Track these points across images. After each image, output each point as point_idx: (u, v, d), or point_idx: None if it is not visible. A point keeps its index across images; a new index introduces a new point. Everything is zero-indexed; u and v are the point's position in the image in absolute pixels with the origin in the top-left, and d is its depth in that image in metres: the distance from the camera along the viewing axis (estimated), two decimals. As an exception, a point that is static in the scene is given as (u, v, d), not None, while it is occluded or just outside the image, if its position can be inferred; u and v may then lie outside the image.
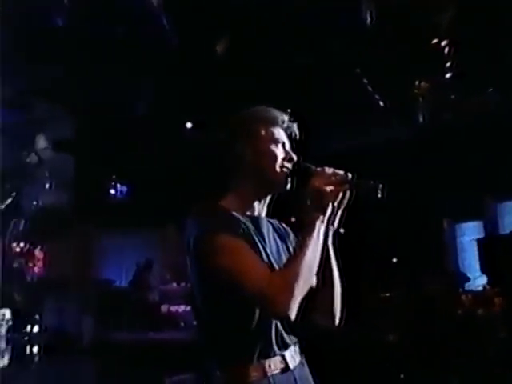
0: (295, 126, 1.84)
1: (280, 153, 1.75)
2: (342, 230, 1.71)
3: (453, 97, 9.97)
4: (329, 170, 1.64)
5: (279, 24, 7.64)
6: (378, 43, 7.97)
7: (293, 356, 1.65)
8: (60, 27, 6.99)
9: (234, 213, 1.66)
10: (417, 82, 9.55)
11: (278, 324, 1.61)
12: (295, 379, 1.63)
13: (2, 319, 12.25)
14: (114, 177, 11.65)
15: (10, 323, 12.24)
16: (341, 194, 1.61)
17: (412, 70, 9.05)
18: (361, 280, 10.62)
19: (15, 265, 12.71)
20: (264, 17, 7.51)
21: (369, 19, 6.46)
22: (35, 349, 10.03)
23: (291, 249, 1.79)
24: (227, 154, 1.77)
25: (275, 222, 1.84)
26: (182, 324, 9.34)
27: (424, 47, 8.35)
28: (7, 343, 11.41)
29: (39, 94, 9.04)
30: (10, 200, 11.70)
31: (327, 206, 1.59)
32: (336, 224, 1.68)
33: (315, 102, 9.93)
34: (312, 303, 1.69)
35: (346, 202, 1.64)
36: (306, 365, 1.74)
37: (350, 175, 1.64)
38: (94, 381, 7.47)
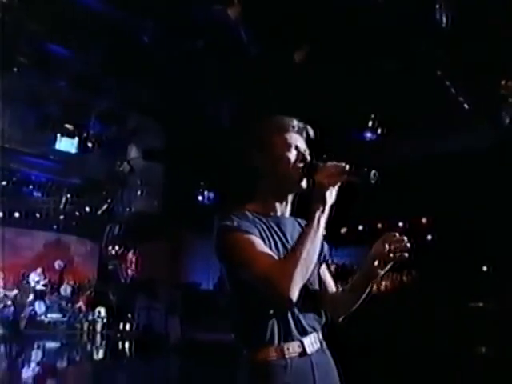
0: (308, 128, 1.94)
1: (293, 156, 1.85)
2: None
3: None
4: (331, 164, 1.74)
5: (358, 29, 7.69)
6: (459, 44, 7.77)
7: (312, 342, 1.77)
8: (147, 44, 7.39)
9: (254, 214, 1.79)
10: (503, 82, 9.16)
11: (296, 311, 1.73)
12: (312, 363, 1.75)
13: (98, 316, 13.18)
14: (202, 184, 12.09)
15: (105, 320, 13.19)
16: (338, 184, 1.71)
17: (497, 70, 8.68)
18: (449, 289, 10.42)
19: (110, 266, 13.61)
20: (342, 24, 7.60)
21: (445, 20, 6.32)
22: (127, 345, 10.76)
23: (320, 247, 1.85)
24: (247, 162, 1.91)
25: (302, 220, 1.93)
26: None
27: (508, 45, 8.02)
28: (102, 339, 12.31)
29: (131, 107, 9.61)
30: (105, 206, 12.60)
31: (325, 196, 1.70)
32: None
33: (400, 107, 9.86)
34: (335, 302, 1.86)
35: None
36: (327, 352, 1.84)
37: (347, 165, 1.71)
38: (179, 376, 7.84)
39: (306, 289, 1.72)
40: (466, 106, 9.89)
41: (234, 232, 1.70)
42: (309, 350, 1.75)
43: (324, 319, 1.85)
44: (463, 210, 11.12)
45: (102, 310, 12.32)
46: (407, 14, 7.03)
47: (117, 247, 12.75)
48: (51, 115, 9.16)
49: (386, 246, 1.73)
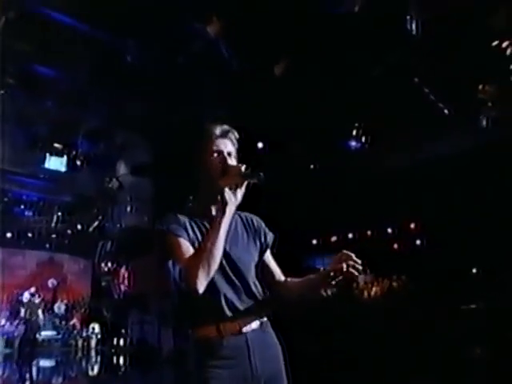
0: (232, 131, 2.17)
1: (215, 161, 2.10)
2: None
3: (525, 99, 9.70)
4: (232, 167, 2.04)
5: (336, 40, 7.93)
6: (433, 51, 8.01)
7: (248, 322, 2.01)
8: (130, 62, 7.59)
9: (190, 217, 2.08)
10: (480, 86, 9.38)
11: (228, 294, 2.01)
12: (247, 341, 2.00)
13: (92, 332, 13.27)
14: (191, 198, 12.24)
15: (99, 336, 13.27)
16: (235, 185, 1.98)
17: (474, 75, 8.89)
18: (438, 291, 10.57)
19: (103, 283, 13.71)
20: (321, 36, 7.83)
21: (414, 28, 6.56)
22: (121, 360, 10.86)
23: (259, 237, 2.21)
24: (187, 169, 2.21)
25: (246, 215, 2.22)
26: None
27: (484, 50, 8.24)
28: (97, 355, 12.38)
29: (118, 124, 9.77)
30: (96, 223, 12.74)
31: (223, 197, 1.97)
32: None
33: (382, 115, 10.10)
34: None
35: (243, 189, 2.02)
36: (268, 332, 2.10)
37: (243, 168, 1.98)
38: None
39: (242, 276, 2.06)
40: (446, 111, 10.14)
41: (164, 234, 2.00)
42: (244, 329, 2.01)
43: (264, 302, 2.10)
44: (450, 213, 11.31)
45: (96, 327, 12.41)
46: (381, 24, 7.28)
47: (109, 263, 12.87)
48: (40, 135, 9.36)
49: (344, 264, 1.95)
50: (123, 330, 11.43)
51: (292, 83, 8.66)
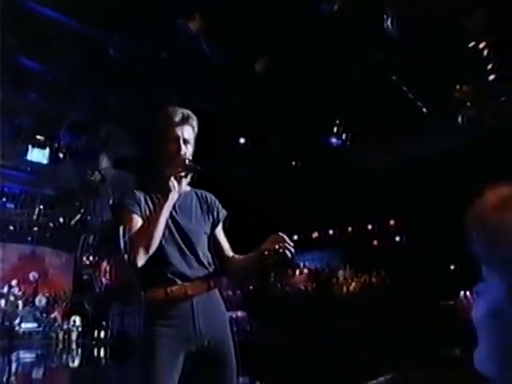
0: (192, 117, 2.33)
1: (173, 146, 2.27)
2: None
3: (503, 99, 9.92)
4: (179, 158, 2.23)
5: (317, 38, 8.06)
6: (412, 50, 8.17)
7: (194, 287, 2.23)
8: (113, 56, 7.66)
9: (149, 193, 2.29)
10: (458, 86, 9.59)
11: (177, 261, 2.23)
12: (192, 303, 2.21)
13: (73, 325, 13.29)
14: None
15: (80, 329, 13.29)
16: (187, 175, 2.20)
17: (451, 74, 9.08)
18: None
19: (85, 276, 13.74)
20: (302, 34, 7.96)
21: (393, 27, 6.72)
22: (102, 352, 10.91)
23: (212, 213, 2.42)
24: (149, 150, 2.37)
25: (202, 192, 2.44)
26: (235, 328, 9.75)
27: (462, 51, 8.41)
28: (77, 347, 12.41)
29: (101, 118, 9.83)
30: (79, 216, 12.76)
31: (168, 185, 2.19)
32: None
33: (359, 112, 10.27)
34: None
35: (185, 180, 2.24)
36: (214, 297, 2.29)
37: (186, 161, 2.22)
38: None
39: (193, 246, 2.27)
40: (424, 110, 10.35)
41: (118, 209, 2.26)
42: (190, 293, 2.22)
43: (212, 271, 2.30)
44: (430, 211, 11.53)
45: (77, 319, 12.44)
46: (360, 23, 7.43)
47: (91, 257, 12.90)
48: (23, 127, 9.39)
49: (277, 245, 2.17)
50: (104, 323, 11.49)
51: (273, 80, 8.80)
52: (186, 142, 2.32)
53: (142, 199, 2.30)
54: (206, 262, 2.33)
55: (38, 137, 9.72)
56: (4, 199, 12.44)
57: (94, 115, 9.99)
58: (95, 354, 10.75)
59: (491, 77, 9.06)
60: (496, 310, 0.66)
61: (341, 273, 13.21)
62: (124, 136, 10.62)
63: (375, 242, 14.43)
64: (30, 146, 9.86)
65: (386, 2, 7.04)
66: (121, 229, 2.21)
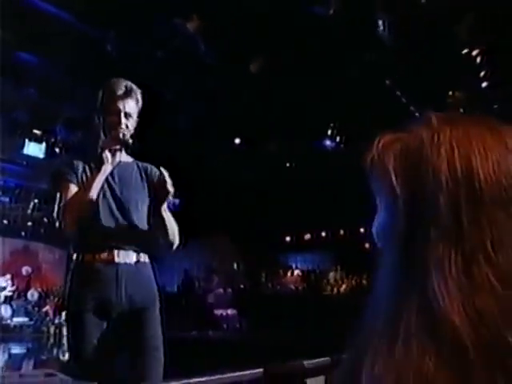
0: (135, 91, 2.41)
1: (115, 119, 2.35)
2: None
3: (495, 106, 10.03)
4: (116, 132, 2.31)
5: (313, 41, 8.18)
6: (405, 54, 8.30)
7: (123, 255, 2.33)
8: (110, 53, 7.76)
9: (89, 164, 2.38)
10: (450, 92, 9.71)
11: (106, 228, 2.32)
12: (117, 270, 2.31)
13: (65, 320, 13.25)
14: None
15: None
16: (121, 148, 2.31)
17: (444, 80, 9.19)
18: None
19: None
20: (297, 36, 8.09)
21: (387, 31, 6.85)
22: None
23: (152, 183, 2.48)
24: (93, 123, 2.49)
25: (145, 165, 2.54)
26: (225, 326, 9.92)
27: (454, 57, 8.53)
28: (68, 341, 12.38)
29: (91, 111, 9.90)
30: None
31: (101, 157, 2.28)
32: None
33: (352, 115, 10.39)
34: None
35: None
36: (144, 268, 2.38)
37: (120, 135, 2.29)
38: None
39: (128, 214, 2.36)
40: (417, 114, 10.47)
41: (56, 177, 2.41)
42: (117, 260, 2.32)
43: (144, 243, 2.38)
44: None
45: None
46: (354, 26, 7.57)
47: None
48: (19, 120, 9.46)
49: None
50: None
51: (268, 81, 8.92)
52: (127, 115, 2.38)
53: (80, 168, 2.39)
54: (139, 233, 2.40)
55: (35, 131, 9.81)
56: (-1, 193, 12.49)
57: (91, 112, 10.05)
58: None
59: (484, 84, 9.19)
60: None
61: (332, 274, 13.32)
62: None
63: (367, 245, 14.51)
64: (26, 140, 9.94)
65: (379, 6, 7.17)
66: (57, 196, 2.31)
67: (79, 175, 2.38)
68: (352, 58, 8.69)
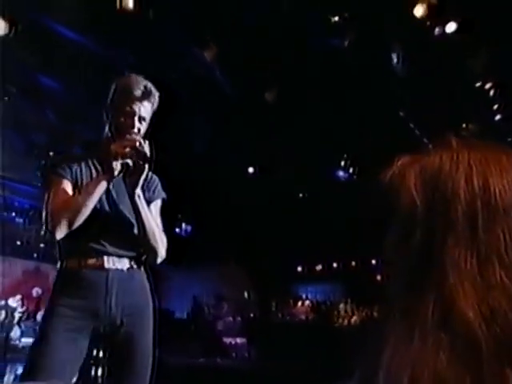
0: (153, 98, 2.25)
1: (130, 122, 2.18)
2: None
3: (509, 139, 10.03)
4: (130, 138, 2.13)
5: (327, 72, 8.30)
6: (419, 87, 8.37)
7: (113, 261, 2.17)
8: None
9: (92, 160, 2.21)
10: (464, 125, 9.73)
11: (97, 233, 2.14)
12: (108, 277, 2.15)
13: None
14: (179, 216, 12.51)
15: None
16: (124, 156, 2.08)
17: (457, 113, 9.23)
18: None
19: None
20: (310, 67, 8.20)
21: (395, 60, 6.94)
22: (100, 371, 10.81)
23: (148, 190, 2.35)
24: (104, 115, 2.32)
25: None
26: (234, 354, 9.85)
27: (468, 90, 8.59)
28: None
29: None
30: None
31: (108, 162, 2.10)
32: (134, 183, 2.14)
33: (365, 148, 10.43)
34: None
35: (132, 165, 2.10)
36: (137, 276, 2.25)
37: (137, 143, 2.08)
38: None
39: (122, 220, 2.19)
40: (430, 146, 10.49)
41: (47, 171, 2.18)
42: (107, 265, 2.15)
43: (137, 251, 2.23)
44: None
45: (77, 336, 12.46)
46: (368, 59, 7.67)
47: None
48: (36, 142, 9.62)
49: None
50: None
51: (283, 110, 9.02)
52: (141, 119, 2.19)
53: (77, 164, 2.16)
54: (132, 240, 2.23)
55: (51, 153, 9.95)
56: (13, 214, 12.57)
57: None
58: (92, 372, 10.72)
59: (497, 117, 9.22)
60: None
61: (342, 306, 13.18)
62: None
63: (378, 277, 14.39)
64: (42, 162, 10.08)
65: (393, 39, 7.28)
66: (46, 194, 2.08)
67: (74, 171, 2.17)
68: (366, 90, 8.77)
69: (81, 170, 2.19)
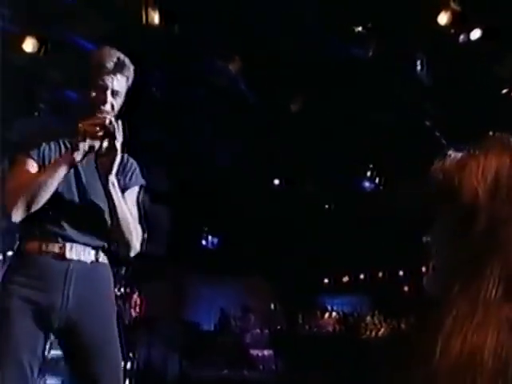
0: (127, 71, 2.09)
1: (102, 97, 2.03)
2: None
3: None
4: (99, 117, 1.97)
5: (351, 83, 8.30)
6: (444, 97, 8.31)
7: (77, 251, 1.98)
8: (154, 93, 8.03)
9: (64, 140, 2.03)
10: (490, 133, 9.60)
11: (62, 216, 1.97)
12: (69, 267, 1.97)
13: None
14: (206, 229, 12.57)
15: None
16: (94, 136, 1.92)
17: (484, 121, 9.13)
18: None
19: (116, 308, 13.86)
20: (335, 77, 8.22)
21: (420, 68, 6.91)
22: (127, 383, 10.95)
23: (125, 176, 2.18)
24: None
25: (123, 155, 2.19)
26: (261, 366, 9.81)
27: (494, 97, 8.51)
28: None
29: (135, 152, 10.17)
30: (111, 248, 12.90)
31: (77, 144, 1.93)
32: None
33: (390, 157, 10.36)
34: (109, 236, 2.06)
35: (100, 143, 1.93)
36: (100, 268, 2.05)
37: (107, 120, 1.93)
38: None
39: (90, 205, 2.02)
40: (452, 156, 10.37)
41: (13, 150, 2.02)
42: (68, 255, 1.97)
43: (104, 241, 2.04)
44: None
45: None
46: (393, 68, 7.65)
47: (122, 289, 13.10)
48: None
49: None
50: (131, 354, 11.56)
51: (308, 121, 9.04)
52: (114, 93, 2.03)
53: (46, 144, 2.00)
54: (101, 228, 2.03)
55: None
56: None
57: (131, 152, 10.31)
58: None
59: (526, 125, 9.08)
60: None
61: (369, 318, 13.05)
62: (159, 171, 10.93)
63: (406, 289, 14.24)
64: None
65: (417, 48, 7.25)
66: (9, 174, 1.91)
67: (42, 150, 2.01)
68: (391, 99, 8.75)
69: (50, 149, 2.05)
